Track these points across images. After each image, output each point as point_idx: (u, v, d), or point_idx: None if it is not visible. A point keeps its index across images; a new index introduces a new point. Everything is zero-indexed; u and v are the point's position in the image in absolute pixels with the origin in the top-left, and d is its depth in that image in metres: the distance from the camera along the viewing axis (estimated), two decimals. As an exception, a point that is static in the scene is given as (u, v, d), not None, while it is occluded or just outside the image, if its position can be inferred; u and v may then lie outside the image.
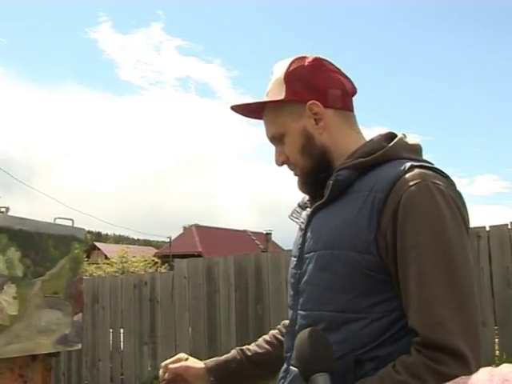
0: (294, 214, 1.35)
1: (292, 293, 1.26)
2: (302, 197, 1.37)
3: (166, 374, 1.41)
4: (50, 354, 3.21)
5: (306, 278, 1.21)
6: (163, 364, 1.44)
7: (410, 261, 1.06)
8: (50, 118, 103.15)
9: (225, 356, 1.47)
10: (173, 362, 1.43)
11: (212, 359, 1.46)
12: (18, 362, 3.01)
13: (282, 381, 1.24)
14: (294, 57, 1.28)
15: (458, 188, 1.18)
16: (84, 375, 6.40)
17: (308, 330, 1.00)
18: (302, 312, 1.20)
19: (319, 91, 1.24)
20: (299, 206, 1.36)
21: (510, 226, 4.75)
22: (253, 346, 1.49)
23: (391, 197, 1.10)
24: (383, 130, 1.28)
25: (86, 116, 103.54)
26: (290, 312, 1.26)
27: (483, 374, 0.59)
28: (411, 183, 1.09)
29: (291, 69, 1.26)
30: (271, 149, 1.32)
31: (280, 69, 1.28)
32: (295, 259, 1.28)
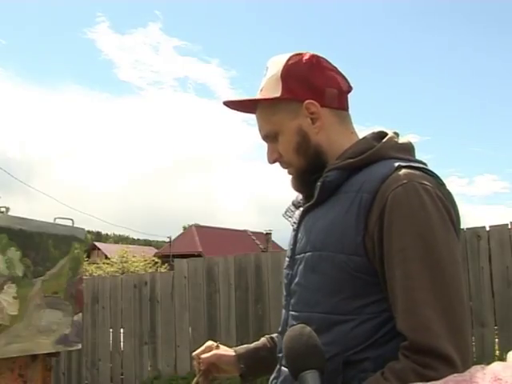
0: (287, 213, 1.35)
1: (285, 293, 1.26)
2: (296, 195, 1.36)
3: (201, 365, 1.41)
4: (50, 354, 3.21)
5: (297, 279, 1.21)
6: (195, 354, 1.44)
7: (395, 263, 1.05)
8: (49, 117, 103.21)
9: (255, 343, 1.47)
10: (204, 352, 1.43)
11: (242, 346, 1.47)
12: (18, 361, 3.01)
13: (275, 381, 1.24)
14: (291, 53, 1.26)
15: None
16: (84, 375, 6.40)
17: (297, 326, 0.99)
18: (293, 313, 1.21)
19: (316, 90, 1.22)
20: (293, 204, 1.35)
21: (510, 226, 4.75)
22: None
23: (378, 198, 1.08)
24: (377, 129, 1.27)
25: (85, 116, 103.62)
26: (283, 312, 1.27)
27: (475, 371, 0.58)
28: (397, 184, 1.08)
29: (288, 66, 1.23)
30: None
31: (276, 65, 1.25)
32: (288, 259, 1.28)
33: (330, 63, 1.26)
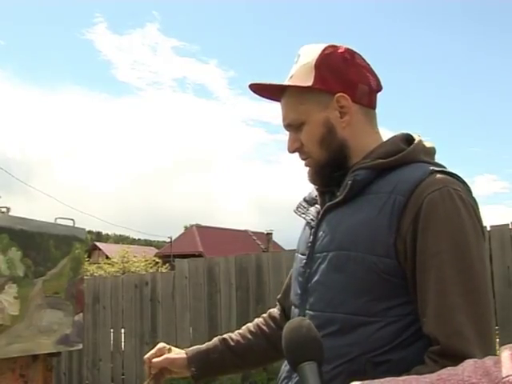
0: (299, 209, 1.31)
1: (299, 291, 1.23)
2: (308, 192, 1.34)
3: (152, 369, 1.40)
4: (51, 354, 3.22)
5: (317, 277, 1.18)
6: (146, 357, 1.42)
7: (429, 267, 1.05)
8: (49, 118, 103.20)
9: (206, 345, 1.45)
10: (155, 355, 1.41)
11: (193, 348, 1.45)
12: (19, 362, 3.01)
13: (286, 381, 1.21)
14: (326, 44, 1.24)
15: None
16: (85, 375, 6.39)
17: (296, 319, 0.99)
18: (310, 312, 1.18)
19: (349, 84, 1.20)
20: (305, 200, 1.32)
21: (511, 226, 4.75)
22: (236, 336, 1.46)
23: (412, 201, 1.08)
24: (393, 131, 1.26)
25: (85, 116, 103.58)
26: (296, 310, 1.24)
27: (468, 365, 0.59)
28: (433, 188, 1.08)
29: (323, 56, 1.21)
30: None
31: (310, 54, 1.23)
32: (304, 257, 1.24)
33: (363, 59, 1.24)
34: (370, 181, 1.15)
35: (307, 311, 1.19)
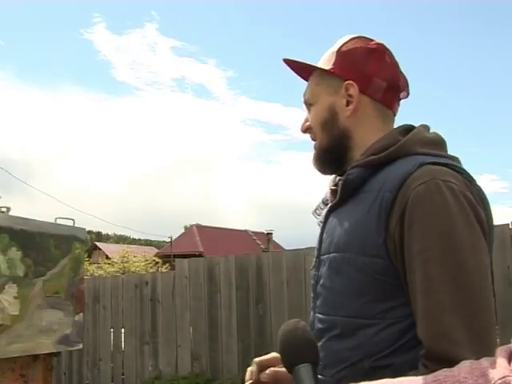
0: (317, 211, 1.30)
1: (312, 294, 1.22)
2: (325, 193, 1.32)
3: (263, 375, 1.17)
4: (51, 354, 3.22)
5: (322, 280, 1.17)
6: (258, 360, 1.21)
7: (416, 266, 1.00)
8: (48, 118, 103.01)
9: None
10: (272, 363, 1.19)
11: None
12: (19, 361, 3.01)
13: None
14: (359, 34, 1.25)
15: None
16: (85, 375, 6.40)
17: (291, 321, 0.98)
18: (319, 315, 1.17)
19: (364, 75, 1.19)
20: (323, 202, 1.30)
21: (511, 226, 4.75)
22: None
23: (399, 197, 1.03)
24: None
25: (85, 116, 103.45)
26: (311, 313, 1.22)
27: (464, 367, 0.58)
28: (419, 182, 1.02)
29: (348, 44, 1.23)
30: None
31: (341, 41, 1.25)
32: (315, 260, 1.23)
33: (394, 60, 1.24)
34: (365, 179, 1.12)
35: (317, 314, 1.17)
